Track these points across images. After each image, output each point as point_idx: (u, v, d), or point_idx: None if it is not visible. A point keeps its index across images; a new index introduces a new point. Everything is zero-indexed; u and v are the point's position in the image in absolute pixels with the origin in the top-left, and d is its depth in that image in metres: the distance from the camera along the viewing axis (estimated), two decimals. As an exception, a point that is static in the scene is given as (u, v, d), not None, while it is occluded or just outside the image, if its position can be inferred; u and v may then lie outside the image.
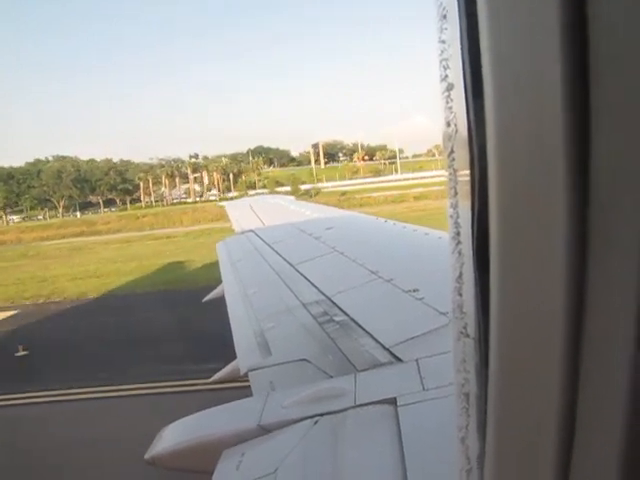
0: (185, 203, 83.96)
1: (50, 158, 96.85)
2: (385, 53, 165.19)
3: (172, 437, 2.21)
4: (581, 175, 0.44)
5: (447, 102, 0.59)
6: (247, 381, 2.63)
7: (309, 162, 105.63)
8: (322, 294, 3.60)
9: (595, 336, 0.46)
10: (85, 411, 8.80)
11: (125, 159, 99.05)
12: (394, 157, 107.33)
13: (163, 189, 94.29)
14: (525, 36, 0.45)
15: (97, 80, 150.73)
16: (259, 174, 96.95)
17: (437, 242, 4.59)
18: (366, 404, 1.96)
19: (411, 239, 5.10)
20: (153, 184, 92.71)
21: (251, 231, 7.18)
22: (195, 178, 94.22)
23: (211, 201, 74.93)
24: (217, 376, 3.49)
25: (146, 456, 2.16)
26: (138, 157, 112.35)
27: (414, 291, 3.14)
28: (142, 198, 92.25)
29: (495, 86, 0.48)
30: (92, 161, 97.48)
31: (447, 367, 2.21)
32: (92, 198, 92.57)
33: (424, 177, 72.76)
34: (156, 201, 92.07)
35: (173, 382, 9.30)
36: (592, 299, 0.46)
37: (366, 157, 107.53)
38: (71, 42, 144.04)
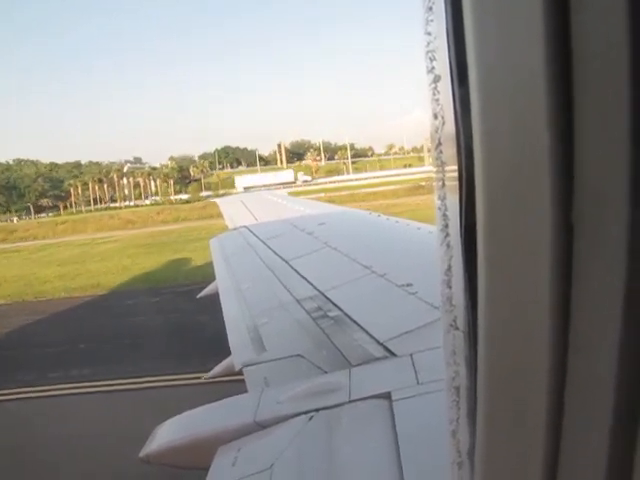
0: (113, 209, 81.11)
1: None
2: (361, 54, 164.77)
3: (167, 434, 2.21)
4: (567, 166, 0.44)
5: (434, 94, 0.59)
6: (241, 376, 2.64)
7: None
8: (316, 289, 3.60)
9: (582, 328, 0.46)
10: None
11: (68, 161, 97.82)
12: (362, 156, 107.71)
13: (95, 194, 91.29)
14: (510, 27, 0.45)
15: (64, 79, 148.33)
16: (207, 175, 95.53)
17: (429, 236, 4.60)
18: (361, 399, 1.97)
19: (404, 234, 5.11)
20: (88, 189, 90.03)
21: (244, 227, 7.17)
22: (137, 183, 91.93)
23: (142, 206, 74.43)
24: (212, 372, 3.49)
25: (141, 454, 2.16)
26: (105, 158, 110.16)
27: (407, 285, 3.15)
28: (73, 204, 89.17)
29: (480, 78, 0.48)
30: (27, 164, 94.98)
31: (441, 361, 2.22)
32: (44, 202, 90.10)
33: (375, 177, 72.56)
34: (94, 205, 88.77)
35: (167, 377, 9.30)
36: (579, 291, 0.46)
37: (325, 156, 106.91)
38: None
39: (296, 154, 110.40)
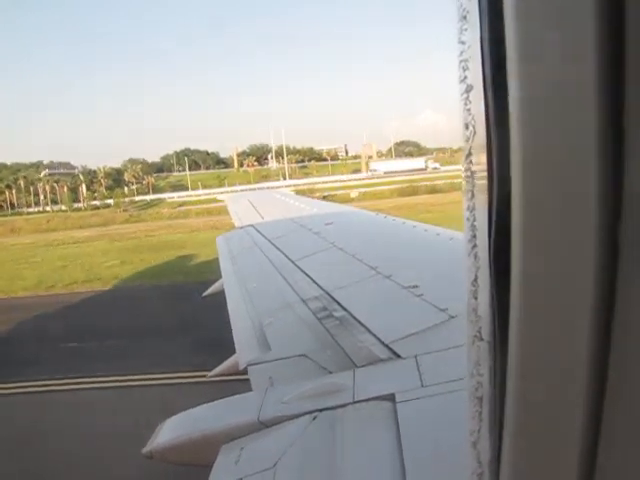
0: (15, 214, 77.66)
1: None
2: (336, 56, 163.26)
3: (171, 431, 2.22)
4: (614, 179, 0.43)
5: (465, 104, 0.58)
6: (246, 375, 2.64)
7: (239, 165, 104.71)
8: (321, 289, 3.60)
9: (623, 348, 0.45)
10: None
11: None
12: (334, 159, 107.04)
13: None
14: (557, 36, 0.44)
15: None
16: (139, 180, 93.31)
17: (436, 239, 4.58)
18: (365, 400, 1.96)
19: (411, 235, 5.10)
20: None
21: (251, 226, 7.17)
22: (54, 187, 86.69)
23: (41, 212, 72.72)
24: (216, 370, 3.49)
25: (144, 449, 2.17)
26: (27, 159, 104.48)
27: (414, 287, 3.14)
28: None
29: (522, 87, 0.46)
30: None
31: (446, 364, 2.22)
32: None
33: (306, 183, 71.42)
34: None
35: (172, 374, 9.32)
36: (621, 309, 0.45)
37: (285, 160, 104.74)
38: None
39: (256, 157, 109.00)
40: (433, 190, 56.74)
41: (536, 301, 0.50)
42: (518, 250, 0.50)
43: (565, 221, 0.46)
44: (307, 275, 4.06)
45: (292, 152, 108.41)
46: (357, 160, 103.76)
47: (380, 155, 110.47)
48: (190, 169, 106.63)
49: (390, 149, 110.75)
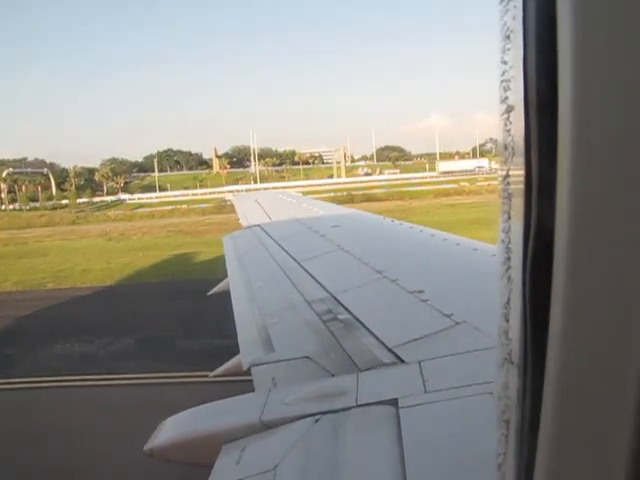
0: None
1: None
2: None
3: (172, 429, 2.22)
4: None
5: (506, 124, 0.57)
6: (249, 375, 2.64)
7: (221, 167, 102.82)
8: (327, 292, 3.59)
9: None
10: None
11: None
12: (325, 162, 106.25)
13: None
14: (620, 61, 0.43)
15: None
16: (109, 180, 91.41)
17: (443, 244, 4.57)
18: (367, 404, 1.95)
19: (417, 240, 5.09)
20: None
21: (257, 226, 7.18)
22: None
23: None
24: (219, 370, 3.49)
25: (145, 447, 2.17)
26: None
27: (419, 292, 3.13)
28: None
29: (577, 109, 0.45)
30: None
31: (450, 370, 2.21)
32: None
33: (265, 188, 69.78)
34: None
35: (174, 374, 9.34)
36: None
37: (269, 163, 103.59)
38: None
39: (236, 159, 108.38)
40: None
41: (580, 326, 0.49)
42: (561, 274, 0.49)
43: (614, 248, 0.45)
44: (313, 277, 4.06)
45: (274, 155, 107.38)
46: (334, 165, 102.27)
47: (365, 159, 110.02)
48: (172, 170, 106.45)
49: (373, 154, 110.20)
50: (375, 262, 4.01)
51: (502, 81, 0.58)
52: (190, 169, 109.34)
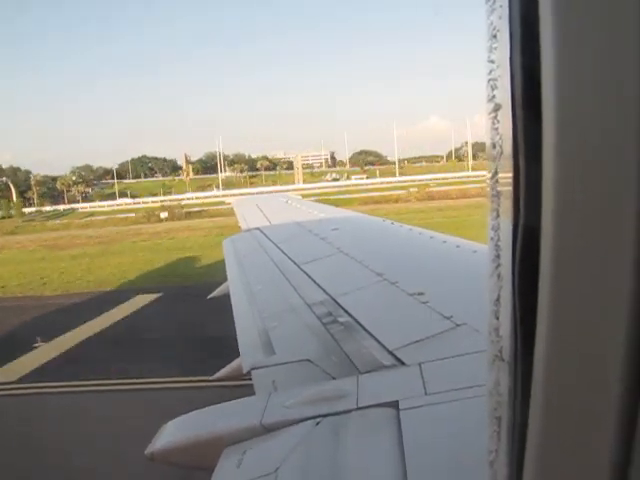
0: None
1: None
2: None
3: (173, 433, 2.22)
4: None
5: (493, 123, 0.58)
6: (249, 379, 2.64)
7: (186, 173, 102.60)
8: (327, 294, 3.59)
9: None
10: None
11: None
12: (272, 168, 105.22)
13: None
14: (600, 59, 0.43)
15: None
16: (69, 188, 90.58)
17: (442, 246, 4.58)
18: (368, 407, 1.95)
19: (417, 242, 5.09)
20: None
21: (257, 229, 7.19)
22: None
23: None
24: (219, 374, 3.49)
25: (146, 451, 2.17)
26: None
27: (419, 294, 3.13)
28: None
29: (559, 107, 0.46)
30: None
31: (450, 372, 2.21)
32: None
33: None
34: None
35: (175, 378, 9.32)
36: None
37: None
38: None
39: (209, 166, 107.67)
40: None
41: (565, 324, 0.49)
42: (546, 272, 0.49)
43: (600, 244, 0.46)
44: (313, 280, 4.06)
45: (246, 161, 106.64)
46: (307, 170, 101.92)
47: (341, 165, 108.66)
48: (147, 176, 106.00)
49: (337, 159, 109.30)
50: (375, 264, 4.01)
51: (489, 80, 0.58)
52: (164, 175, 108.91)
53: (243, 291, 4.34)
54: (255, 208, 9.63)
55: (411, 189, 62.83)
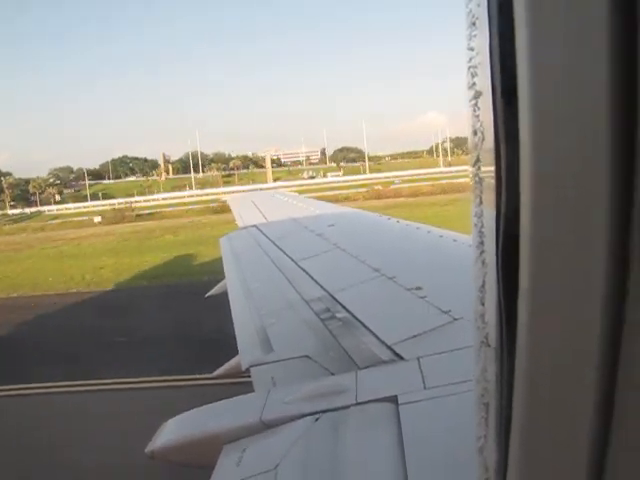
0: None
1: None
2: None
3: (173, 431, 2.22)
4: (626, 189, 0.43)
5: (474, 110, 0.58)
6: (248, 376, 2.64)
7: (158, 173, 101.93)
8: (324, 291, 3.59)
9: (633, 356, 0.45)
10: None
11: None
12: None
13: None
14: (570, 44, 0.43)
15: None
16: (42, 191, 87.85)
17: (439, 240, 4.58)
18: (367, 402, 1.96)
19: (414, 237, 5.10)
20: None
21: (254, 226, 7.17)
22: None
23: None
24: (218, 371, 3.49)
25: (147, 449, 2.17)
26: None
27: (417, 289, 3.13)
28: None
29: (533, 93, 0.46)
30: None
31: (449, 366, 2.21)
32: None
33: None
34: None
35: (174, 376, 9.33)
36: (632, 317, 0.44)
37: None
38: None
39: (188, 165, 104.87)
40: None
41: (544, 309, 0.50)
42: (526, 257, 0.49)
43: (575, 229, 0.46)
44: (310, 276, 4.06)
45: (226, 160, 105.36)
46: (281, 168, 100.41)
47: (323, 162, 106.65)
48: (128, 176, 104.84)
49: (328, 155, 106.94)
50: (372, 260, 4.02)
51: (469, 67, 0.59)
52: (145, 176, 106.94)
53: (241, 289, 4.33)
54: (251, 205, 9.61)
55: (376, 187, 61.88)
